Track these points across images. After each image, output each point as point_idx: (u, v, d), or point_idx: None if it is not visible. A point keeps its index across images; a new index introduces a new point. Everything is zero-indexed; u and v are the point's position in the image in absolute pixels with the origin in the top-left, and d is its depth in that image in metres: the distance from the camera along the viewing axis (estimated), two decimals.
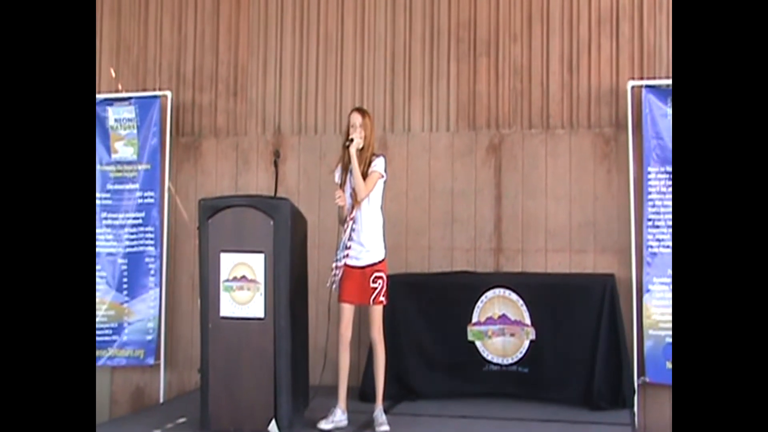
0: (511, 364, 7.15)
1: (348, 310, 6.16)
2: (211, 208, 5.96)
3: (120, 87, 8.64)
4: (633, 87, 7.41)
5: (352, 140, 6.12)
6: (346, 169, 6.20)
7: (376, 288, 6.11)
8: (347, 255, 6.12)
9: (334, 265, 6.16)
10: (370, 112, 6.42)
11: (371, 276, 6.12)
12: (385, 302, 6.18)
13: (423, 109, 8.06)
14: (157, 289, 8.19)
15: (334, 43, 8.31)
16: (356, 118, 6.20)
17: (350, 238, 6.12)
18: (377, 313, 6.16)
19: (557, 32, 7.82)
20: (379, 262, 6.19)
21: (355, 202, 6.14)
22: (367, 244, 6.15)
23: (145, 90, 8.58)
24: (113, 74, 8.67)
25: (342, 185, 6.21)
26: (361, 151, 6.16)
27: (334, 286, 6.16)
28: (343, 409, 6.21)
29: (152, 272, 8.22)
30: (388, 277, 6.22)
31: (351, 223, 6.13)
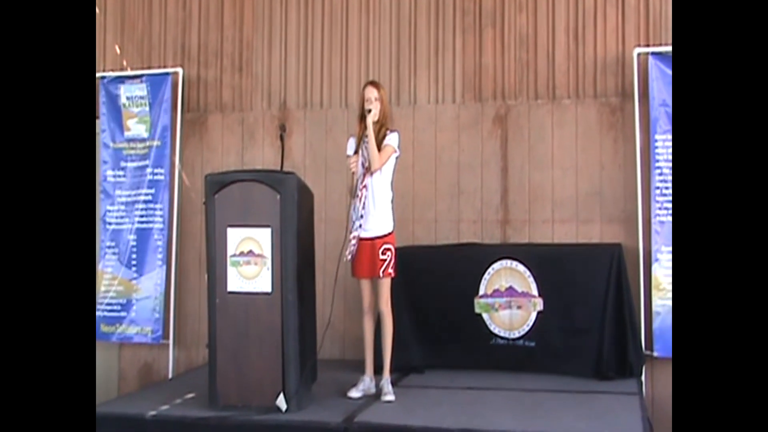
0: (518, 338, 7.13)
1: (365, 284, 6.25)
2: (217, 183, 5.92)
3: (125, 64, 8.60)
4: (639, 54, 7.34)
5: (369, 110, 6.14)
6: (360, 139, 6.20)
7: (384, 260, 6.13)
8: (361, 225, 6.13)
9: (351, 235, 6.17)
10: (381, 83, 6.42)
11: (380, 248, 6.14)
12: (393, 275, 6.20)
13: (429, 81, 7.99)
14: (165, 267, 8.19)
15: (339, 16, 8.24)
16: (371, 92, 6.25)
17: (363, 207, 6.13)
18: (385, 285, 6.17)
19: (562, 2, 7.74)
20: (388, 234, 6.21)
21: (368, 172, 6.15)
22: (377, 213, 6.16)
23: (150, 66, 8.54)
24: (118, 51, 8.62)
25: (355, 154, 6.22)
26: (376, 122, 6.18)
27: (350, 257, 6.15)
28: (371, 377, 6.32)
29: (160, 249, 8.22)
30: (396, 249, 6.22)
31: (364, 191, 6.12)
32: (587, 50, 7.65)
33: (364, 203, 6.15)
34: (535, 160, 7.67)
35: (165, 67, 8.50)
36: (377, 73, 7.98)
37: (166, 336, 8.14)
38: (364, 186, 6.15)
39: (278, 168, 6.36)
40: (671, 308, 6.96)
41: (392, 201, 6.29)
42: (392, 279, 6.21)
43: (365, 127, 6.15)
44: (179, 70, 8.39)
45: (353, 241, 6.16)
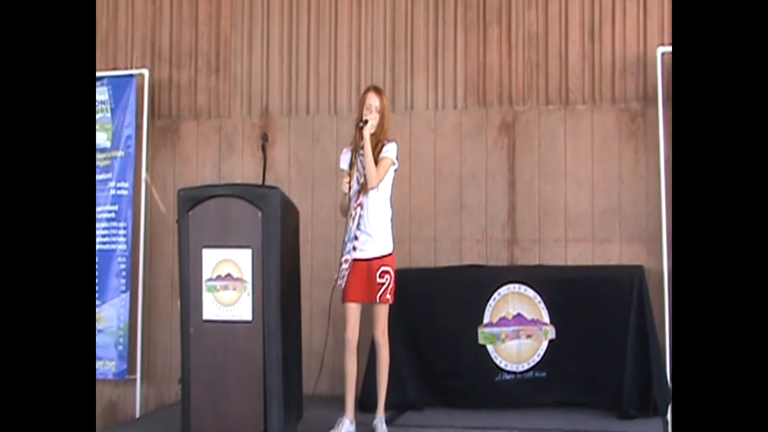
0: (527, 370, 7.14)
1: (353, 311, 6.22)
2: (191, 199, 5.96)
3: None
4: (663, 54, 7.36)
5: (366, 121, 6.16)
6: (357, 150, 6.23)
7: (383, 284, 6.15)
8: (355, 247, 6.15)
9: (342, 258, 6.20)
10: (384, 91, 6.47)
11: (378, 270, 6.16)
12: (392, 301, 6.22)
13: (427, 84, 8.05)
14: (129, 293, 8.14)
15: (327, 11, 8.29)
16: (373, 99, 6.26)
17: (358, 227, 6.16)
18: (383, 312, 6.20)
19: None
20: (387, 255, 6.24)
21: (364, 189, 6.17)
22: (374, 233, 6.19)
23: (116, 68, 8.55)
24: None
25: (351, 168, 6.25)
26: (373, 134, 6.19)
27: (341, 283, 6.18)
28: (351, 419, 6.26)
29: (123, 273, 8.18)
30: (396, 273, 6.25)
31: (358, 209, 6.16)
32: (604, 50, 7.70)
33: (358, 223, 6.17)
34: (546, 173, 7.73)
35: (132, 68, 8.51)
36: (370, 76, 8.04)
37: (132, 371, 8.12)
38: (359, 204, 6.19)
39: (260, 182, 6.39)
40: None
41: (392, 219, 6.33)
42: (390, 306, 6.24)
43: (361, 139, 6.18)
44: (145, 71, 8.40)
45: (345, 266, 6.18)
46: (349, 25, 8.25)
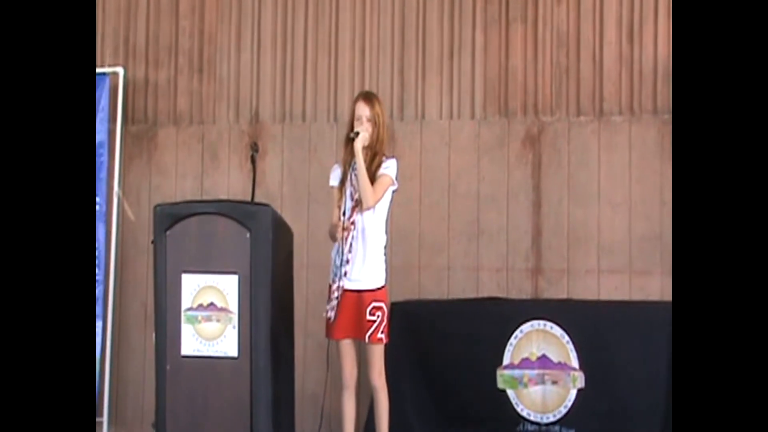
0: (552, 423, 7.10)
1: (348, 349, 6.26)
2: (169, 217, 5.95)
3: None
4: None
5: (357, 133, 6.14)
6: (349, 167, 6.22)
7: (374, 321, 6.15)
8: (346, 272, 6.13)
9: (334, 286, 6.20)
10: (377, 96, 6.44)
11: (369, 305, 6.16)
12: (385, 340, 6.20)
13: (441, 90, 8.04)
14: (101, 322, 8.08)
15: (327, 4, 8.30)
16: (363, 109, 6.27)
17: (350, 249, 6.13)
18: (377, 353, 6.20)
19: None
20: (379, 288, 6.24)
21: (358, 207, 6.18)
22: (367, 259, 6.21)
23: None
24: None
25: (342, 185, 6.24)
26: (367, 148, 6.17)
27: (332, 314, 6.14)
28: None
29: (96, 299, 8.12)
30: (389, 308, 6.22)
31: (351, 229, 6.13)
32: (645, 52, 7.69)
33: (351, 245, 6.16)
34: (576, 193, 7.71)
35: (103, 66, 8.48)
36: (375, 79, 8.05)
37: (98, 412, 8.05)
38: (352, 223, 6.17)
39: (248, 198, 6.38)
40: None
41: (386, 247, 6.30)
42: (385, 345, 6.21)
43: (352, 154, 6.18)
44: (119, 70, 8.40)
45: (336, 294, 6.17)
46: (351, 20, 8.26)
